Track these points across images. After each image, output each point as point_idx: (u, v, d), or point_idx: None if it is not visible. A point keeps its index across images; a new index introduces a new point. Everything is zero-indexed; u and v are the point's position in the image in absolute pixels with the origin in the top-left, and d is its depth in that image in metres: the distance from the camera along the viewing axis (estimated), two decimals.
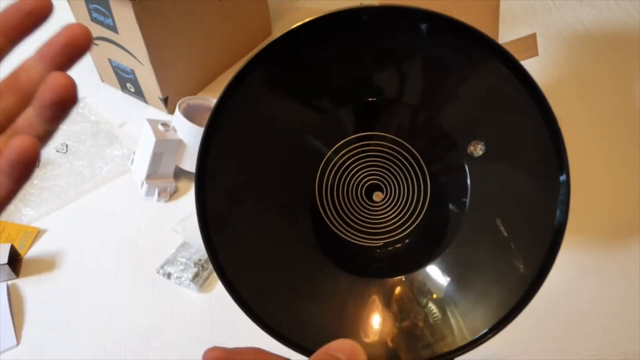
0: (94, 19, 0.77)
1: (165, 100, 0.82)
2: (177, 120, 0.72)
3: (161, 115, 0.84)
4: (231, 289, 0.32)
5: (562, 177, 0.31)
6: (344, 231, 0.35)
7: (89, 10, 0.76)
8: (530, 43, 0.65)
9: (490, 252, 0.33)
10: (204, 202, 0.32)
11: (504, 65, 0.30)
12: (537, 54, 0.64)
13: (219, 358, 0.29)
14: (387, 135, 0.35)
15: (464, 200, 0.34)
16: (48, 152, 0.78)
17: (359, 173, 0.35)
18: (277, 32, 0.95)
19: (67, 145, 0.79)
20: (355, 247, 0.35)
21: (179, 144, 0.71)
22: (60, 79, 0.22)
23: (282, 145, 0.34)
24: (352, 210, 0.35)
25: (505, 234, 0.33)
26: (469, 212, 0.34)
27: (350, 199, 0.35)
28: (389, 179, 0.35)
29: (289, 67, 0.33)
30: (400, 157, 0.35)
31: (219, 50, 0.87)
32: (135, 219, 0.72)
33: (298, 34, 0.30)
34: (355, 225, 0.35)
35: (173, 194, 0.74)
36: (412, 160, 0.35)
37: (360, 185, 0.35)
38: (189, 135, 0.71)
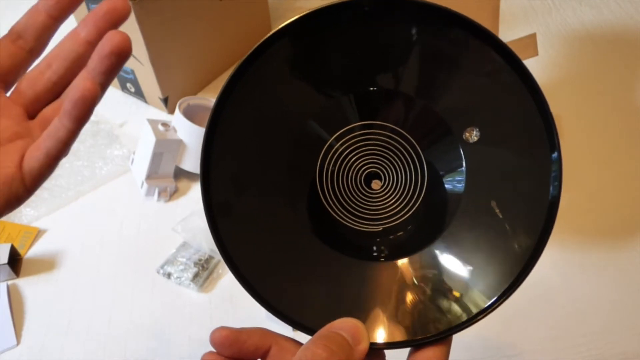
0: None
1: (165, 100, 0.82)
2: (177, 120, 0.72)
3: (161, 115, 0.84)
4: (237, 273, 0.33)
5: (554, 155, 0.32)
6: (343, 217, 0.36)
7: (89, 10, 0.76)
8: (530, 43, 0.65)
9: (486, 234, 0.34)
10: (209, 186, 0.33)
11: (497, 53, 0.32)
12: (537, 54, 0.64)
13: (227, 337, 0.30)
14: (386, 124, 0.36)
15: (460, 185, 0.35)
16: None
17: (359, 161, 0.36)
18: None
19: None
20: (356, 232, 0.36)
21: (179, 144, 0.71)
22: (117, 34, 0.25)
23: (287, 129, 0.35)
24: (351, 197, 0.36)
25: (500, 216, 0.34)
26: (465, 197, 0.35)
27: (350, 187, 0.36)
28: (387, 167, 0.36)
29: (298, 51, 0.34)
30: (398, 145, 0.36)
31: (219, 50, 0.87)
32: (135, 219, 0.72)
33: (308, 21, 0.32)
34: (354, 212, 0.36)
35: (173, 194, 0.74)
36: (409, 148, 0.36)
37: (360, 173, 0.36)
38: (189, 135, 0.71)
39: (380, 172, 0.36)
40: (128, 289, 0.65)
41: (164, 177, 0.73)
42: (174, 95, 0.82)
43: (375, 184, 0.36)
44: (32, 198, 0.77)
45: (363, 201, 0.36)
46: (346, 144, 0.36)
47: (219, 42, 0.86)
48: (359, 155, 0.36)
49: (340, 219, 0.36)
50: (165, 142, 0.70)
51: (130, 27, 0.73)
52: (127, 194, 0.75)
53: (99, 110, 0.85)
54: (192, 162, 0.73)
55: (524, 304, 0.59)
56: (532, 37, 0.66)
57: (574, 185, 0.70)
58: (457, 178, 0.35)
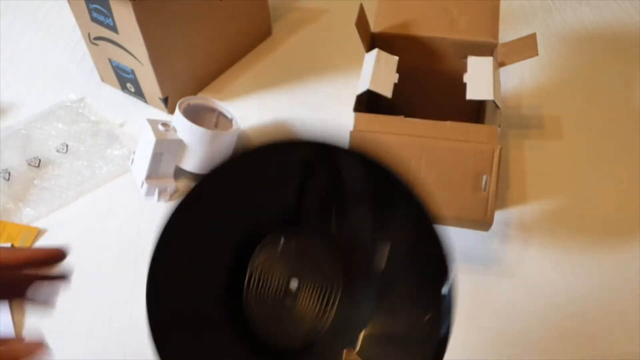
0: (94, 19, 0.77)
1: (165, 100, 0.82)
2: (177, 120, 0.72)
3: (161, 115, 0.84)
4: None
5: (445, 290, 0.33)
6: (267, 329, 0.39)
7: (89, 10, 0.76)
8: (530, 43, 0.66)
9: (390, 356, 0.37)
10: (157, 304, 0.36)
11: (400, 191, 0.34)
12: (537, 54, 0.64)
13: None
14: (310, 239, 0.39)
15: (369, 304, 0.38)
16: (48, 152, 0.78)
17: (280, 274, 0.40)
18: (277, 32, 0.95)
19: (67, 145, 0.79)
20: (280, 343, 0.39)
21: (179, 144, 0.71)
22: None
23: (219, 259, 0.39)
24: (273, 309, 0.40)
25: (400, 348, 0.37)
26: (372, 319, 0.38)
27: (272, 297, 0.40)
28: (307, 277, 0.39)
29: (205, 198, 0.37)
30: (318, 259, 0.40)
31: (219, 50, 0.87)
32: (135, 219, 0.72)
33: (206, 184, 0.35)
34: (276, 323, 0.40)
35: (173, 194, 0.74)
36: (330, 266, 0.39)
37: (281, 285, 0.40)
38: (189, 135, 0.71)
39: (301, 281, 0.39)
40: (128, 289, 0.65)
41: (164, 177, 0.73)
42: (174, 95, 0.82)
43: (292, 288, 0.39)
44: (32, 198, 0.77)
45: (284, 312, 0.39)
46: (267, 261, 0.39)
47: (219, 42, 0.86)
48: (280, 269, 0.40)
49: (265, 332, 0.39)
50: (165, 142, 0.70)
51: (131, 27, 0.73)
52: (127, 194, 0.75)
53: (99, 110, 0.85)
54: (192, 162, 0.73)
55: (524, 304, 0.59)
56: (532, 37, 0.66)
57: (574, 185, 0.70)
58: (368, 297, 0.38)
